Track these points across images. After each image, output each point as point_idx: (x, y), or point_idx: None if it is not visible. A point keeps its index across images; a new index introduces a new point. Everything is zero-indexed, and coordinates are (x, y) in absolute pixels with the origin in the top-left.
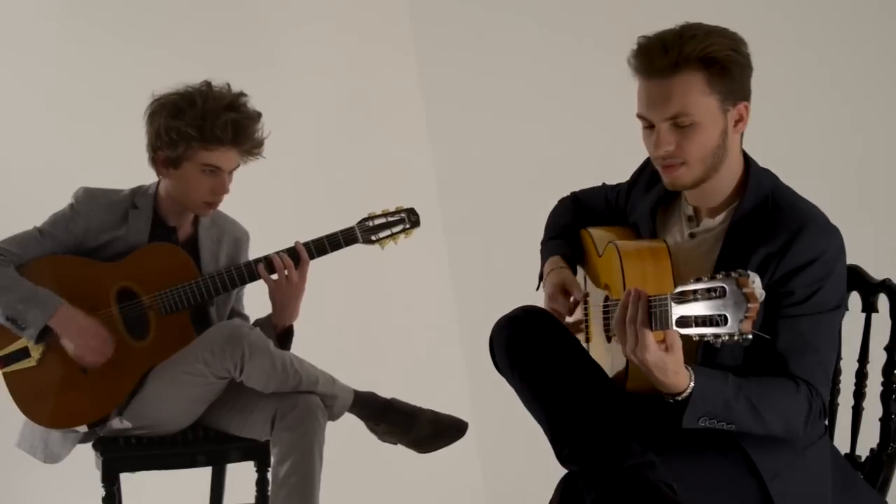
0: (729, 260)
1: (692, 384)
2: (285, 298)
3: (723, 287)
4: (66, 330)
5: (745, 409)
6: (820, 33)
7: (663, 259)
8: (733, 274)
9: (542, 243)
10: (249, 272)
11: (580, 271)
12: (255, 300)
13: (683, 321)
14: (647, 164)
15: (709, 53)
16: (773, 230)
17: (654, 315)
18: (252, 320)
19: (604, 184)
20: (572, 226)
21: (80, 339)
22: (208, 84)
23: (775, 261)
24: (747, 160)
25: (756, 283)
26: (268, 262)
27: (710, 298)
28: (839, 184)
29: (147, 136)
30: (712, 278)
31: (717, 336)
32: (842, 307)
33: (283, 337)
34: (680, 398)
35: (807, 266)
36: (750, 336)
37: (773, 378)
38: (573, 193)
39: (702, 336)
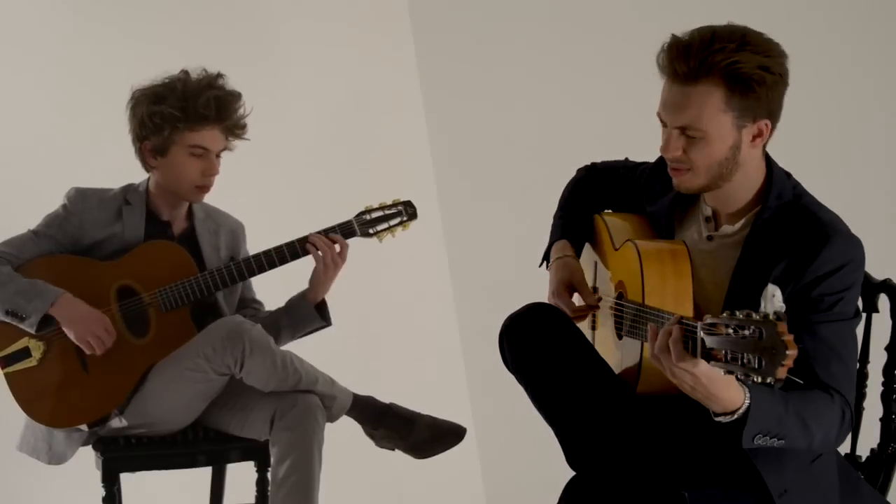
0: (748, 268)
1: (748, 400)
2: (329, 275)
3: (760, 330)
4: (67, 317)
5: (795, 423)
6: (819, 32)
7: (683, 262)
8: (772, 317)
9: (554, 217)
10: (249, 267)
11: (591, 255)
12: (260, 291)
13: (713, 354)
14: None
15: (734, 70)
16: (796, 240)
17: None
18: (264, 307)
19: (627, 159)
20: (587, 205)
21: (81, 325)
22: (185, 71)
23: (799, 270)
24: (770, 166)
25: (777, 297)
26: (289, 251)
27: (742, 338)
28: (839, 184)
29: (131, 129)
30: (748, 317)
31: (747, 375)
32: (858, 316)
33: (322, 308)
34: (734, 417)
35: (833, 274)
36: (783, 379)
37: (809, 389)
38: (593, 164)
39: (731, 372)
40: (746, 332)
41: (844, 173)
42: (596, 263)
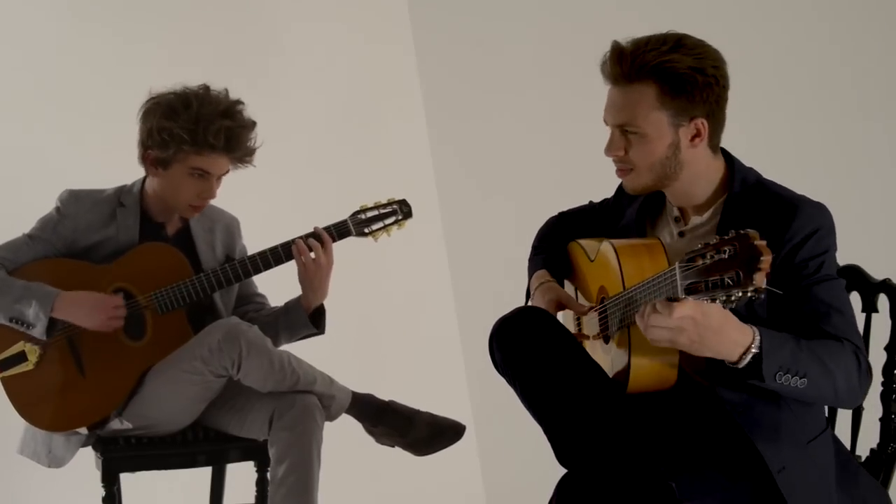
0: None
1: (758, 335)
2: (318, 278)
3: (733, 245)
4: (73, 314)
5: (811, 358)
6: (820, 32)
7: (659, 254)
8: (741, 231)
9: (529, 259)
10: (244, 269)
11: (569, 287)
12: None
13: (694, 287)
14: None
15: (665, 68)
16: (766, 216)
17: (661, 290)
18: (268, 301)
19: (590, 202)
20: (559, 240)
21: (92, 316)
22: (206, 88)
23: (775, 242)
24: (731, 160)
25: None
26: (284, 251)
27: (720, 260)
28: (839, 184)
29: (139, 134)
30: (721, 240)
31: (729, 296)
32: (842, 280)
33: (317, 316)
34: (749, 356)
35: (808, 239)
36: (763, 293)
37: (819, 339)
38: (560, 212)
39: (714, 299)
40: (723, 256)
41: (845, 174)
42: (576, 290)
